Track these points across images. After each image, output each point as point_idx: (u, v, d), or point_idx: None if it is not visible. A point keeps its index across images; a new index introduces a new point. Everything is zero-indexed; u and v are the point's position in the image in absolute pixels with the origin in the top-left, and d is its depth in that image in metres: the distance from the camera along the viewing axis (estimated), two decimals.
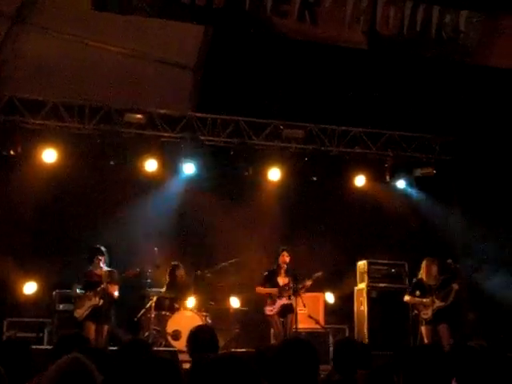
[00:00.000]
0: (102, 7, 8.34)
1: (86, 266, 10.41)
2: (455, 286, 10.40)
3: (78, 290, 10.33)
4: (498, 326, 11.53)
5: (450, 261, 10.64)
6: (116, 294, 10.37)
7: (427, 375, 3.54)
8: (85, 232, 11.98)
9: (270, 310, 10.75)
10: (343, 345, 5.20)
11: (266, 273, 10.95)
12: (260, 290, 10.92)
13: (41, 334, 10.82)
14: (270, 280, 10.86)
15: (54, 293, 11.19)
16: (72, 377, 2.61)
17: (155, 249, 11.20)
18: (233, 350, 10.06)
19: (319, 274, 10.83)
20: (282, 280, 10.83)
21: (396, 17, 9.13)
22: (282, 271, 10.86)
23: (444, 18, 9.41)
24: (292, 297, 10.59)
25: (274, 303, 10.72)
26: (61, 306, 11.00)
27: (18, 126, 11.41)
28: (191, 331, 5.31)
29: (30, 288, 11.32)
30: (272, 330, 11.06)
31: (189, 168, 12.33)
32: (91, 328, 10.00)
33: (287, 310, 10.68)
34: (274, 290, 10.77)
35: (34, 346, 9.47)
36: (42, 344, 10.52)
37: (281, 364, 3.60)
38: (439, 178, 13.31)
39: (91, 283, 10.30)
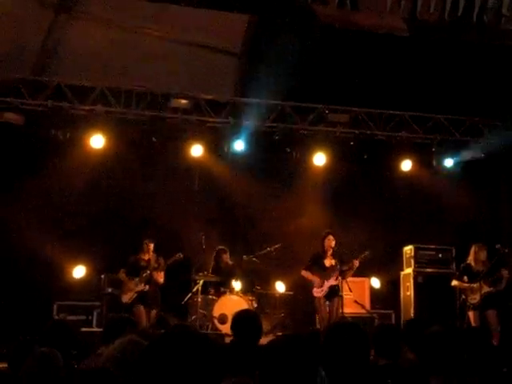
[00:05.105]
0: None
1: (134, 251, 10.60)
2: (506, 274, 10.26)
3: (124, 275, 10.54)
4: None
5: (498, 246, 10.49)
6: (161, 280, 10.55)
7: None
8: (132, 217, 12.15)
9: (318, 292, 10.70)
10: (384, 330, 5.12)
11: (312, 256, 10.94)
12: (305, 274, 10.89)
13: (90, 317, 11.02)
14: (317, 263, 10.84)
15: (102, 276, 11.37)
16: (131, 356, 2.71)
17: (202, 234, 11.30)
18: (279, 334, 10.10)
19: (366, 253, 10.70)
20: (328, 262, 10.80)
21: (438, 1, 9.00)
22: (328, 254, 10.83)
23: (487, 2, 9.25)
24: (339, 278, 10.55)
25: (322, 285, 10.68)
26: (109, 290, 11.18)
27: (66, 112, 11.54)
28: (235, 315, 5.34)
29: (79, 272, 11.48)
30: (318, 315, 11.04)
31: (239, 145, 12.29)
32: (141, 311, 10.19)
33: (334, 292, 10.61)
34: (318, 278, 10.72)
35: (83, 329, 9.83)
36: (92, 326, 10.72)
37: (333, 347, 3.54)
38: (487, 162, 13.10)
39: (138, 268, 10.48)
